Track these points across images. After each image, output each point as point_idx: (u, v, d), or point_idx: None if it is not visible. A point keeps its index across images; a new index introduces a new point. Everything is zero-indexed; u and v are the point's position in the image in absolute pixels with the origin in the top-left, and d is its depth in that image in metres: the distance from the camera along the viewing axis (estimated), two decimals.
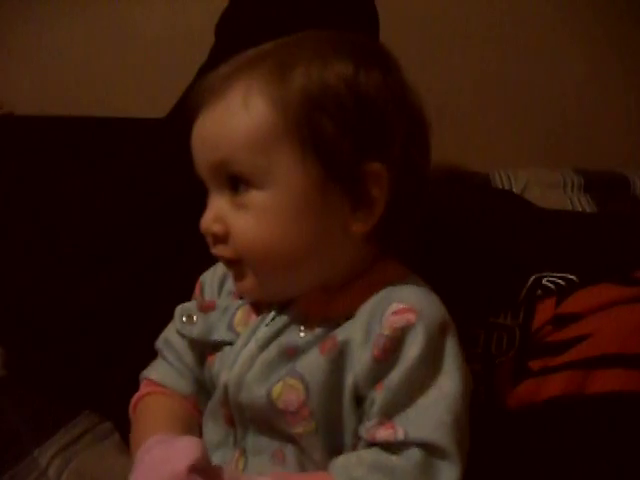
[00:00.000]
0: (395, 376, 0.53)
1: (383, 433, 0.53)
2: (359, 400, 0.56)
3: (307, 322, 0.59)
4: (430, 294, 0.59)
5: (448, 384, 0.54)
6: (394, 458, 0.52)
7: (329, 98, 0.54)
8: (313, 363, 0.56)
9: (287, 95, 0.54)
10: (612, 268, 0.84)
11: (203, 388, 0.68)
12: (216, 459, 0.61)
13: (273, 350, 0.58)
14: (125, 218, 1.01)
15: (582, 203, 1.49)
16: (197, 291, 0.70)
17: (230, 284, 0.67)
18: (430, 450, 0.52)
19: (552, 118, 1.66)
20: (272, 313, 0.61)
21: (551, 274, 0.83)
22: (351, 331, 0.57)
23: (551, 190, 1.53)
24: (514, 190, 1.51)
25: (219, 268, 0.69)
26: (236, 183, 0.56)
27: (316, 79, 0.54)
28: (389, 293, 0.58)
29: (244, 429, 0.62)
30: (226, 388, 0.60)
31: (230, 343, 0.62)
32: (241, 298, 0.65)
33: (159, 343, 0.71)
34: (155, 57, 1.67)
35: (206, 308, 0.65)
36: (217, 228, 0.58)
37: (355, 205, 0.56)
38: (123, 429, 0.87)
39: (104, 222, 1.02)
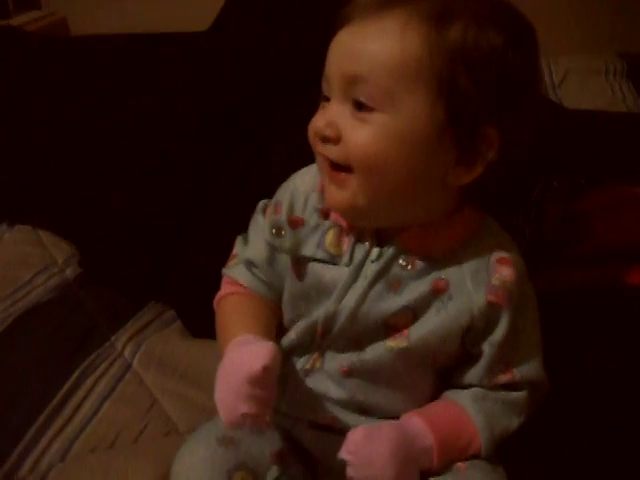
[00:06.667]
0: (504, 331, 0.63)
1: (504, 378, 0.64)
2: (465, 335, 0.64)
3: (408, 257, 0.63)
4: (513, 242, 0.67)
5: (536, 326, 0.66)
6: (513, 394, 0.65)
7: (476, 61, 0.56)
8: (424, 299, 0.63)
9: (441, 42, 0.56)
10: (621, 169, 0.88)
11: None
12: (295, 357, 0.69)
13: (381, 285, 0.64)
14: (177, 130, 1.09)
15: (623, 90, 1.47)
16: (277, 209, 0.69)
17: (314, 201, 0.67)
18: (534, 385, 0.65)
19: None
20: (376, 249, 0.64)
21: (562, 177, 0.89)
22: (458, 273, 0.62)
23: (591, 77, 1.52)
24: (554, 79, 1.50)
25: (299, 186, 0.69)
26: (360, 103, 0.58)
27: (470, 40, 0.56)
28: (486, 238, 0.64)
29: (331, 344, 0.67)
30: (333, 315, 0.65)
31: (318, 260, 0.66)
32: (326, 218, 0.66)
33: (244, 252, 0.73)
34: None
35: (294, 223, 0.67)
36: (329, 132, 0.59)
37: (460, 159, 0.59)
38: (183, 317, 0.99)
39: (159, 135, 1.09)
